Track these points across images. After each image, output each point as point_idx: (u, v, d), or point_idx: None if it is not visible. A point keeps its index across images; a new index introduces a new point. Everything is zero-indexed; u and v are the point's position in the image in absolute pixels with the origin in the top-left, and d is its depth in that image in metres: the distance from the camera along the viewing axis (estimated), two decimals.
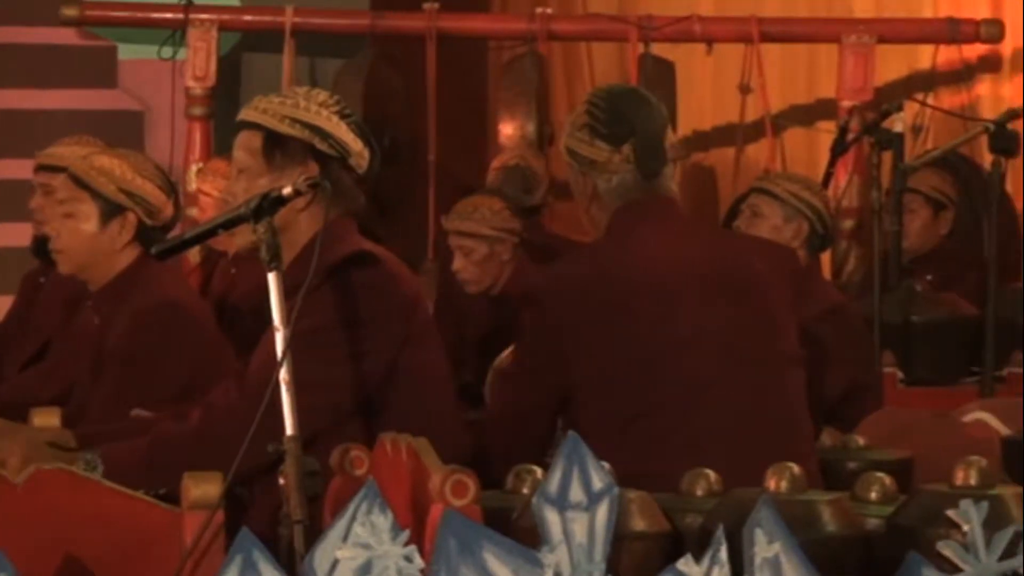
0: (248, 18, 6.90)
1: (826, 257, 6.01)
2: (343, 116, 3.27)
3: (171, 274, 4.09)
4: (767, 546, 2.46)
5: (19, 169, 5.82)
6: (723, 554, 2.45)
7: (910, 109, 6.33)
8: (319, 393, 3.09)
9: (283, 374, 2.80)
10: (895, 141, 5.08)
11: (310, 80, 6.87)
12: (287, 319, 2.82)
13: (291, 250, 3.18)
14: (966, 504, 2.50)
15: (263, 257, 2.87)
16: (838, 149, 5.82)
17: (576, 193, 3.37)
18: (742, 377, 3.22)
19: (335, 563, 2.45)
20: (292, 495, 2.72)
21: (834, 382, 4.21)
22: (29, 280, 5.21)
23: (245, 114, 3.31)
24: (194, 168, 6.48)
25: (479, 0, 7.40)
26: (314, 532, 2.62)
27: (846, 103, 6.71)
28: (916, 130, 6.84)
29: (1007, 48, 6.96)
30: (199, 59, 6.72)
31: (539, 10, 6.92)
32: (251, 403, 2.88)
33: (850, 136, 5.86)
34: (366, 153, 3.27)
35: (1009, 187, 6.48)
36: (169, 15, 6.78)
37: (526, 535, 2.51)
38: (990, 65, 7.03)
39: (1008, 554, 2.48)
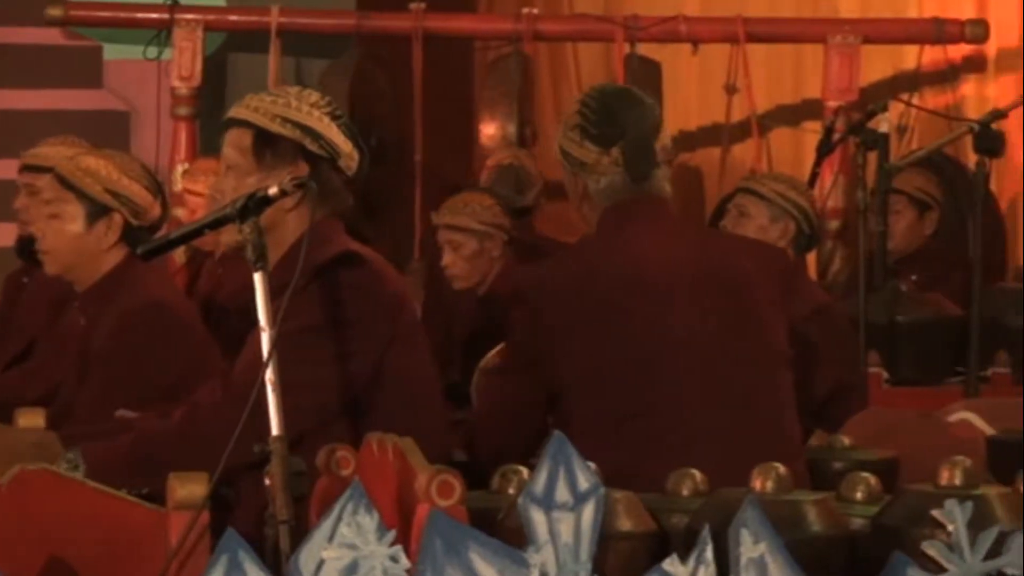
0: (234, 18, 6.89)
1: (811, 257, 6.02)
2: (334, 117, 3.27)
3: (157, 275, 4.08)
4: (753, 546, 2.47)
5: (4, 169, 5.82)
6: (709, 554, 2.45)
7: (895, 109, 6.34)
8: (305, 393, 3.09)
9: (269, 374, 2.79)
10: (880, 141, 5.09)
11: (296, 80, 6.87)
12: (273, 319, 2.82)
13: (278, 249, 3.18)
14: (951, 504, 2.51)
15: (249, 257, 2.87)
16: (824, 149, 5.83)
17: (569, 192, 3.38)
18: (730, 377, 3.22)
19: (321, 563, 2.45)
20: (278, 495, 2.72)
21: (820, 382, 4.22)
22: (12, 280, 5.20)
23: (236, 112, 3.30)
24: (180, 168, 6.48)
25: (465, 0, 7.40)
26: (300, 532, 2.62)
27: (832, 103, 6.72)
28: (901, 130, 6.86)
29: (992, 48, 6.98)
30: (185, 59, 6.71)
31: (525, 10, 6.93)
32: (236, 403, 2.87)
33: (835, 136, 5.87)
34: (356, 155, 3.27)
35: (994, 187, 6.50)
36: (154, 15, 6.77)
37: (512, 535, 2.51)
38: (975, 65, 7.05)
39: (992, 554, 2.49)
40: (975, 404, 3.96)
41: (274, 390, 2.79)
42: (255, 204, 2.92)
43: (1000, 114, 4.99)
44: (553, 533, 2.46)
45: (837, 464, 3.29)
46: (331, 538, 2.45)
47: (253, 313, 2.86)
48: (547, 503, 2.47)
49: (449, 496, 2.51)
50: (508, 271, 5.43)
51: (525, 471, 2.77)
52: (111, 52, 6.96)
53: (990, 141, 4.83)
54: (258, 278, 2.85)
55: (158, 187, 4.07)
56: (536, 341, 3.26)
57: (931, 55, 6.99)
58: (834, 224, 6.63)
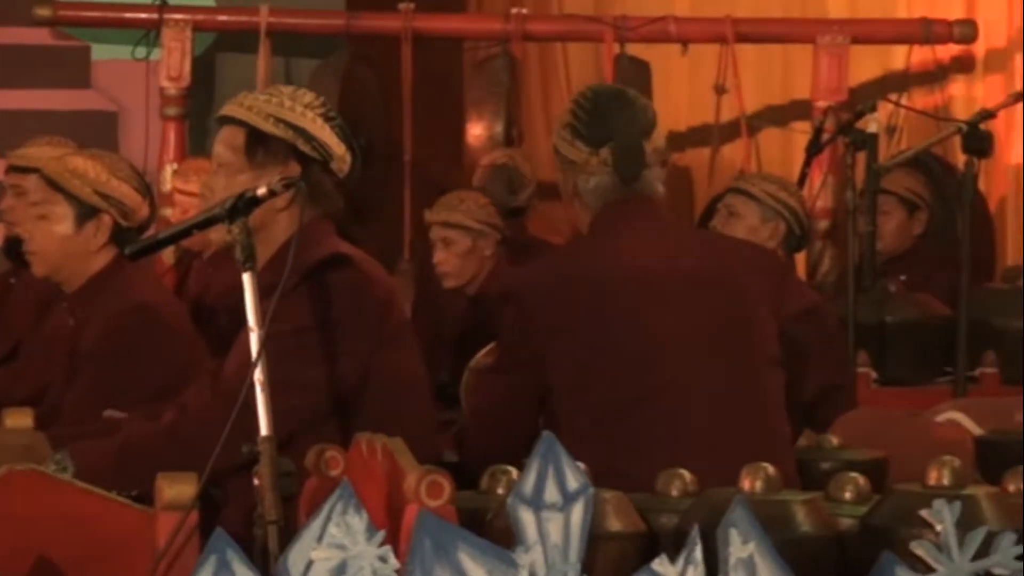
0: (223, 18, 6.88)
1: (801, 257, 6.03)
2: (327, 118, 3.26)
3: (147, 276, 4.08)
4: (741, 546, 2.47)
5: None
6: (698, 554, 2.46)
7: (884, 109, 6.35)
8: (295, 394, 3.09)
9: (257, 374, 2.79)
10: (869, 141, 5.09)
11: (285, 80, 6.86)
12: (262, 320, 2.81)
13: (268, 249, 3.18)
14: (939, 504, 2.51)
15: (238, 258, 2.87)
16: (813, 149, 5.84)
17: (562, 190, 3.39)
18: (720, 377, 3.23)
19: (310, 564, 2.45)
20: (266, 495, 2.72)
21: (809, 382, 4.23)
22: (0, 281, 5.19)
23: (230, 109, 3.29)
24: (168, 169, 6.47)
25: (454, 0, 7.40)
26: (289, 533, 2.62)
27: (820, 103, 6.72)
28: (890, 131, 6.87)
29: (980, 49, 6.99)
30: (173, 59, 6.70)
31: (514, 10, 6.93)
32: (225, 404, 2.87)
33: (824, 136, 5.88)
34: (348, 157, 3.27)
35: (983, 188, 6.51)
36: (143, 15, 6.76)
37: (501, 535, 2.51)
38: (963, 66, 7.06)
39: (981, 554, 2.49)
40: (963, 404, 3.97)
41: (263, 390, 2.79)
42: (244, 204, 2.92)
43: (988, 114, 4.99)
44: (542, 533, 2.46)
45: (826, 464, 3.30)
46: (320, 538, 2.45)
47: (242, 313, 2.86)
48: (536, 503, 2.47)
49: (438, 496, 2.51)
50: (499, 271, 5.44)
51: (514, 471, 2.77)
52: (99, 52, 6.94)
53: (978, 141, 4.84)
54: (247, 278, 2.85)
55: (146, 188, 4.07)
56: (526, 341, 3.26)
57: (919, 55, 7.00)
58: (823, 224, 6.64)
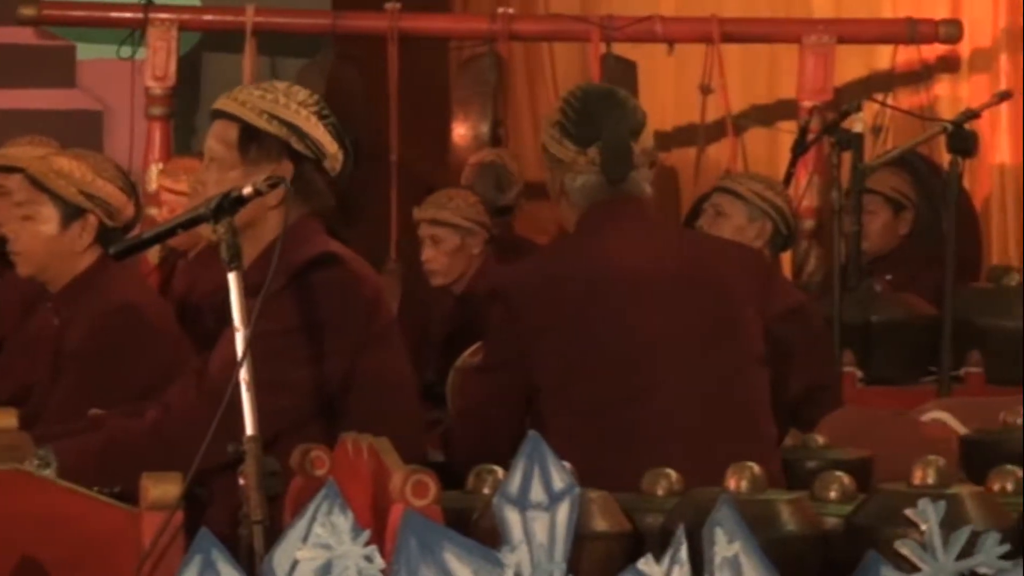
0: (208, 18, 6.87)
1: (786, 257, 6.04)
2: (321, 116, 3.25)
3: (132, 276, 4.07)
4: (727, 545, 2.47)
5: None
6: (683, 553, 2.46)
7: (870, 109, 6.36)
8: (281, 395, 3.08)
9: (243, 374, 2.79)
10: (854, 141, 5.10)
11: (271, 80, 6.84)
12: (248, 318, 2.81)
13: (257, 246, 3.17)
14: (924, 503, 2.51)
15: (223, 257, 2.86)
16: (798, 149, 5.84)
17: (549, 188, 3.39)
18: (706, 377, 3.23)
19: (295, 564, 2.44)
20: (252, 495, 2.72)
21: (795, 382, 4.23)
22: None
23: (223, 104, 3.27)
24: (154, 168, 6.46)
25: (440, 0, 7.39)
26: (274, 532, 2.61)
27: (806, 103, 6.73)
28: (876, 130, 6.87)
29: (965, 49, 7.00)
30: (159, 59, 6.69)
31: (500, 10, 6.92)
32: (210, 403, 2.87)
33: (810, 136, 5.89)
34: (340, 155, 3.26)
35: (968, 187, 6.52)
36: (128, 15, 6.75)
37: (487, 535, 2.51)
38: (948, 65, 7.07)
39: (965, 553, 2.49)
40: (948, 404, 3.98)
41: (248, 390, 2.78)
42: (229, 204, 2.91)
43: (973, 114, 5.00)
44: (528, 533, 2.46)
45: (811, 463, 3.30)
46: (305, 538, 2.45)
47: (228, 312, 2.85)
48: (522, 503, 2.47)
49: (424, 496, 2.51)
50: (486, 270, 5.45)
51: (500, 471, 2.77)
52: (84, 52, 6.93)
53: (963, 141, 4.84)
54: (232, 278, 2.84)
55: (132, 187, 4.06)
56: (512, 341, 3.26)
57: (905, 55, 7.01)
58: (809, 224, 6.65)
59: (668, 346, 3.23)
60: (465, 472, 2.86)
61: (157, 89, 6.70)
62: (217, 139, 3.26)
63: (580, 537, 2.51)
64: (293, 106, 3.24)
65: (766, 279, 3.50)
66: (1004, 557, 2.50)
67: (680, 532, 2.47)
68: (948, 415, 3.79)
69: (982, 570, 2.50)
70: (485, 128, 6.86)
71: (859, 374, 5.00)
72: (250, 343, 2.79)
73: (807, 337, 4.42)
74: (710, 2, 7.03)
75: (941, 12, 6.97)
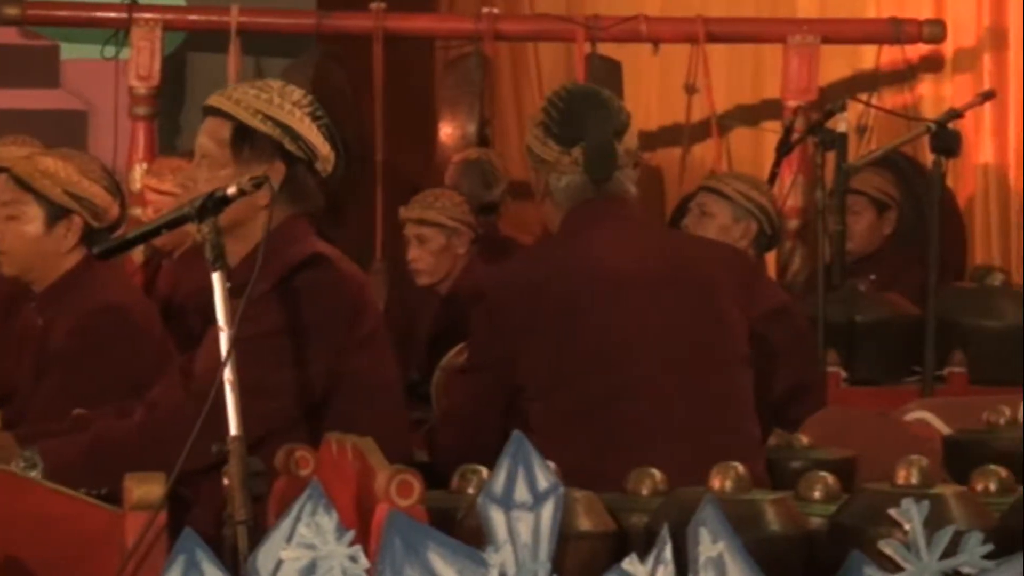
0: (193, 17, 6.86)
1: (771, 256, 6.04)
2: (315, 118, 3.24)
3: (116, 276, 4.06)
4: (711, 545, 2.47)
5: None
6: (668, 553, 2.46)
7: (854, 109, 6.37)
8: (267, 398, 3.08)
9: (227, 374, 2.78)
10: (839, 141, 5.11)
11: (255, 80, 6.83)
12: (233, 318, 2.80)
13: (246, 245, 3.15)
14: (907, 503, 2.52)
15: (207, 257, 2.86)
16: (783, 149, 5.85)
17: (533, 188, 3.39)
18: (690, 377, 3.23)
19: (279, 563, 2.44)
20: (236, 495, 2.71)
21: (779, 382, 4.24)
22: None
23: (217, 101, 3.25)
24: (138, 168, 6.45)
25: (426, 0, 7.39)
26: (258, 533, 2.61)
27: (791, 103, 6.74)
28: (861, 130, 6.89)
29: (949, 48, 7.01)
30: (143, 58, 6.68)
31: (485, 10, 6.92)
32: (197, 403, 2.86)
33: (794, 136, 5.89)
34: (332, 157, 3.25)
35: (952, 187, 6.53)
36: (112, 14, 6.74)
37: (471, 535, 2.51)
38: (932, 65, 7.08)
39: (948, 553, 2.50)
40: (931, 403, 3.99)
41: (233, 390, 2.78)
42: (214, 204, 2.91)
43: (956, 114, 5.01)
44: (512, 533, 2.46)
45: (795, 463, 3.31)
46: (289, 538, 2.45)
47: (213, 312, 2.85)
48: (506, 503, 2.47)
49: (408, 496, 2.51)
50: (471, 270, 5.46)
51: (484, 471, 2.77)
52: (68, 51, 6.92)
53: (947, 141, 4.85)
54: (216, 278, 2.84)
55: (117, 187, 4.05)
56: (496, 341, 3.26)
57: (889, 55, 7.02)
58: (793, 224, 6.66)
59: (652, 346, 3.23)
60: (450, 472, 2.86)
61: (141, 89, 6.69)
62: (209, 136, 3.25)
63: (565, 537, 2.51)
64: (287, 106, 3.23)
65: (750, 279, 3.51)
66: (987, 557, 2.51)
67: (664, 532, 2.48)
68: (931, 415, 3.80)
69: (965, 570, 2.50)
70: (473, 128, 6.86)
71: (843, 374, 5.01)
72: (237, 345, 2.79)
73: (791, 337, 4.43)
74: (695, 2, 7.04)
75: (925, 12, 6.98)
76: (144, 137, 6.68)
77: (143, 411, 3.23)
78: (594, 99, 3.35)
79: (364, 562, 2.45)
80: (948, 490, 2.65)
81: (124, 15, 6.70)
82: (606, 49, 6.93)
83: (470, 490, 2.77)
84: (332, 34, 6.86)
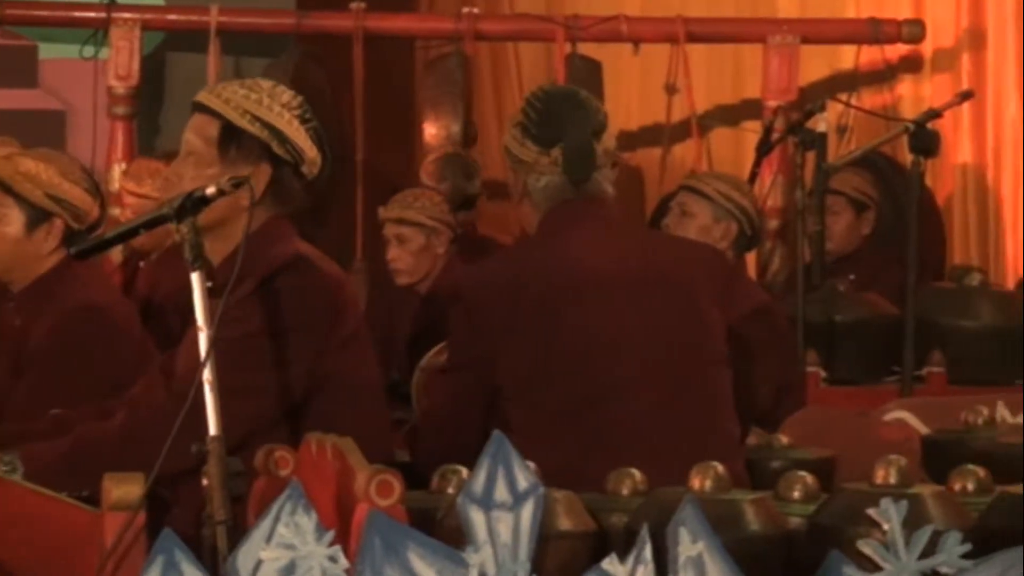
0: (172, 17, 6.85)
1: (751, 257, 6.05)
2: (303, 120, 3.23)
3: (95, 277, 4.05)
4: (691, 545, 2.48)
5: None
6: (647, 553, 2.46)
7: (833, 109, 6.38)
8: (248, 400, 3.07)
9: (207, 375, 2.78)
10: (818, 141, 5.12)
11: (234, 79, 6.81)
12: (213, 318, 2.80)
13: (229, 244, 3.14)
14: (886, 503, 2.52)
15: (186, 257, 2.85)
16: (763, 149, 5.86)
17: (511, 189, 3.39)
18: (669, 377, 3.24)
19: (258, 564, 2.44)
20: (215, 495, 2.71)
21: (761, 383, 4.24)
22: None
23: (207, 99, 3.24)
24: (117, 168, 6.43)
25: (406, 0, 7.39)
26: (238, 533, 2.61)
27: (771, 103, 6.75)
28: (841, 130, 6.90)
29: (928, 48, 7.03)
30: (122, 58, 6.66)
31: (465, 10, 6.92)
32: (178, 404, 2.86)
33: (774, 136, 5.90)
34: (319, 160, 3.25)
35: (931, 187, 6.55)
36: (91, 14, 6.72)
37: (451, 535, 2.51)
38: (911, 65, 7.10)
39: (927, 553, 2.51)
40: (910, 403, 4.00)
41: (212, 390, 2.78)
42: (192, 204, 2.90)
43: (935, 114, 5.02)
44: (492, 533, 2.46)
45: (775, 463, 3.31)
46: (269, 538, 2.45)
47: (193, 312, 2.84)
48: (486, 503, 2.47)
49: (388, 496, 2.51)
50: (451, 269, 5.46)
51: (464, 471, 2.77)
52: (47, 51, 6.90)
53: (925, 141, 4.87)
54: (195, 278, 2.83)
55: (97, 189, 4.04)
56: (476, 341, 3.26)
57: (868, 55, 7.04)
58: (773, 224, 6.67)
59: (631, 347, 3.23)
60: (430, 472, 2.86)
61: (120, 89, 6.68)
62: (197, 134, 3.23)
63: (544, 537, 2.51)
64: (276, 108, 3.22)
65: (729, 280, 3.51)
66: (965, 557, 2.51)
67: (644, 532, 2.48)
68: (910, 415, 3.81)
69: (943, 570, 2.51)
70: (457, 128, 6.86)
71: (822, 374, 5.02)
72: (218, 346, 2.79)
73: (772, 337, 4.44)
74: (675, 2, 7.05)
75: (904, 12, 7.00)
76: (123, 137, 6.66)
77: (124, 412, 3.22)
78: (572, 99, 3.36)
79: (344, 562, 2.45)
80: (926, 490, 2.65)
81: (103, 15, 6.68)
82: (586, 49, 6.93)
83: (450, 490, 2.77)
84: (312, 34, 6.86)
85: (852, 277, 5.51)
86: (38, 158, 4.02)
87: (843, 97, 6.63)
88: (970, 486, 2.76)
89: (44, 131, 6.46)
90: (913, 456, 3.24)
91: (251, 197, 3.00)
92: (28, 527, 2.70)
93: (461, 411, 3.30)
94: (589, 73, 6.80)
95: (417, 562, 2.42)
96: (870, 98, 7.06)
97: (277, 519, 2.45)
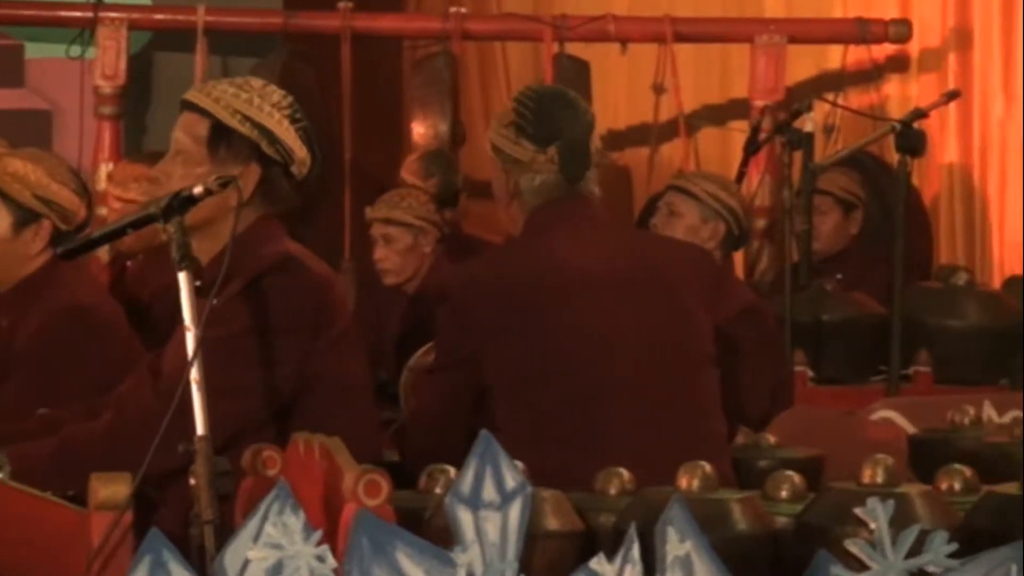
0: (159, 17, 6.84)
1: (738, 256, 6.06)
2: (294, 120, 3.22)
3: (82, 277, 4.04)
4: (679, 544, 2.48)
5: None
6: (635, 552, 2.46)
7: (820, 109, 6.39)
8: (238, 398, 3.07)
9: (194, 374, 2.78)
10: (805, 141, 5.13)
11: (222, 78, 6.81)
12: (204, 316, 2.79)
13: (218, 243, 3.13)
14: (873, 502, 2.53)
15: (173, 256, 2.85)
16: (750, 148, 5.87)
17: (497, 190, 3.38)
18: (657, 377, 3.24)
19: (246, 563, 2.44)
20: (202, 495, 2.71)
21: (752, 384, 4.24)
22: None
23: (196, 97, 3.23)
24: (104, 168, 6.42)
25: None
26: (225, 532, 2.61)
27: (758, 103, 6.76)
28: (827, 130, 6.91)
29: (914, 48, 7.04)
30: (108, 58, 6.65)
31: (453, 9, 6.92)
32: (166, 404, 2.85)
33: (762, 136, 5.91)
34: (308, 160, 3.24)
35: (917, 186, 6.56)
36: (78, 14, 6.71)
37: (439, 535, 2.51)
38: (898, 65, 7.11)
39: (914, 552, 2.51)
40: (897, 403, 4.01)
41: (199, 389, 2.77)
42: (179, 203, 2.90)
43: (921, 114, 5.03)
44: (480, 532, 2.46)
45: (762, 462, 3.32)
46: (256, 538, 2.45)
47: (180, 312, 2.84)
48: (474, 502, 2.47)
49: (376, 495, 2.51)
50: (438, 269, 5.46)
51: (452, 470, 2.77)
52: (33, 51, 6.89)
53: (912, 140, 4.88)
54: (182, 277, 2.83)
55: (84, 189, 4.03)
56: (463, 341, 3.26)
57: (855, 55, 7.05)
58: (761, 223, 6.68)
59: (618, 346, 3.24)
60: (418, 472, 2.86)
61: (107, 88, 6.67)
62: (186, 132, 3.22)
63: (532, 536, 2.51)
64: (267, 108, 3.21)
65: (716, 280, 3.52)
66: (952, 556, 2.52)
67: (632, 531, 2.48)
68: (897, 414, 3.82)
69: (930, 569, 2.52)
70: (445, 127, 6.86)
71: (810, 373, 5.03)
72: (207, 345, 2.78)
73: (760, 338, 4.44)
74: (663, 2, 7.05)
75: (891, 12, 7.01)
76: (110, 137, 6.65)
77: (110, 411, 3.22)
78: (563, 99, 3.37)
79: (331, 562, 2.44)
80: (913, 489, 2.66)
81: (89, 14, 6.67)
82: (574, 49, 6.94)
83: (438, 490, 2.77)
84: (299, 33, 6.85)
85: (839, 277, 5.51)
86: (26, 159, 4.01)
87: (830, 97, 6.64)
88: (957, 485, 2.77)
89: (30, 131, 6.45)
90: (900, 455, 3.25)
91: (239, 197, 2.99)
92: (14, 527, 2.69)
93: (449, 411, 3.30)
94: (577, 73, 6.81)
95: (405, 562, 2.42)
96: (857, 98, 7.07)
97: (265, 519, 2.45)
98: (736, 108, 7.12)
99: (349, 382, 3.23)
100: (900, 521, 2.52)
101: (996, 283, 6.45)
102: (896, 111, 6.66)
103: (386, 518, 2.49)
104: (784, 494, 2.80)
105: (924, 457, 3.38)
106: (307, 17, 6.86)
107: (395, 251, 5.50)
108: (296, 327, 3.16)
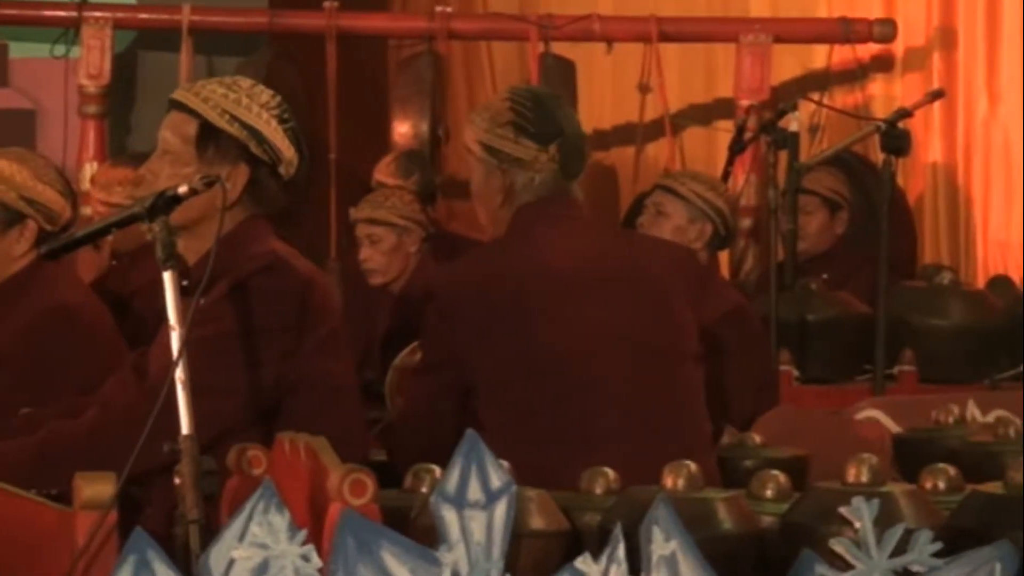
0: (144, 16, 6.83)
1: (724, 256, 6.07)
2: (282, 120, 3.22)
3: (67, 277, 4.03)
4: (664, 544, 2.48)
5: None
6: (621, 552, 2.47)
7: (806, 108, 6.40)
8: (224, 397, 3.07)
9: (179, 373, 2.77)
10: (790, 140, 5.13)
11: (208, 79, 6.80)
12: (190, 315, 2.79)
13: (206, 242, 3.13)
14: (858, 501, 2.53)
15: (158, 256, 2.84)
16: (736, 148, 5.88)
17: (482, 189, 3.38)
18: (642, 376, 3.25)
19: (231, 563, 2.44)
20: (188, 494, 2.71)
21: (738, 385, 4.25)
22: None
23: (185, 97, 3.22)
24: (88, 168, 6.41)
25: None
26: (210, 532, 2.60)
27: (743, 102, 6.76)
28: (813, 130, 6.92)
29: (899, 48, 7.05)
30: (93, 57, 6.64)
31: (439, 9, 6.92)
32: (151, 403, 2.85)
33: (747, 135, 5.92)
34: (296, 160, 3.24)
35: (901, 186, 6.57)
36: (62, 13, 6.69)
37: (424, 534, 2.51)
38: (883, 65, 7.12)
39: (898, 551, 2.52)
40: (881, 402, 4.01)
41: (185, 388, 2.77)
42: (164, 203, 2.90)
43: (906, 113, 5.04)
44: (465, 532, 2.46)
45: (748, 462, 3.32)
46: (242, 537, 2.44)
47: (166, 310, 2.83)
48: (459, 502, 2.47)
49: (361, 495, 2.51)
50: (424, 268, 5.46)
51: (437, 470, 2.77)
52: (17, 50, 6.87)
53: (896, 140, 4.88)
54: (167, 277, 2.82)
55: (70, 190, 4.02)
56: (449, 340, 3.26)
57: (840, 54, 7.06)
58: (746, 223, 6.68)
59: (603, 345, 3.24)
60: (404, 471, 2.86)
61: (91, 88, 6.65)
62: (174, 132, 3.22)
63: (517, 536, 2.51)
64: (255, 108, 3.21)
65: (702, 280, 3.53)
66: (936, 555, 2.52)
67: (618, 530, 2.48)
68: (882, 413, 3.82)
69: (915, 568, 2.52)
70: (425, 127, 6.86)
71: (795, 372, 5.03)
72: (192, 345, 2.78)
73: (745, 337, 4.44)
74: (648, 2, 7.06)
75: (875, 12, 7.02)
76: (94, 136, 6.64)
77: (95, 410, 3.21)
78: (557, 98, 3.40)
79: (316, 561, 2.44)
80: (898, 488, 2.66)
81: (74, 13, 6.66)
82: (559, 48, 6.94)
83: (423, 489, 2.77)
84: (284, 33, 6.85)
85: (825, 276, 5.52)
86: (12, 159, 3.99)
87: (815, 96, 6.64)
88: (941, 484, 2.77)
89: (14, 130, 6.44)
90: (884, 455, 3.26)
91: (223, 196, 2.99)
92: None
93: (435, 410, 3.30)
94: (562, 72, 6.81)
95: (390, 561, 2.42)
96: (842, 97, 7.08)
97: (250, 518, 2.45)
98: (721, 107, 7.13)
99: (336, 382, 3.23)
100: (885, 520, 2.53)
101: (980, 282, 6.46)
102: (881, 111, 6.67)
103: (371, 517, 2.49)
104: (769, 493, 2.81)
105: (909, 456, 3.39)
106: (292, 16, 6.85)
107: (380, 251, 5.50)
108: (282, 328, 3.16)
